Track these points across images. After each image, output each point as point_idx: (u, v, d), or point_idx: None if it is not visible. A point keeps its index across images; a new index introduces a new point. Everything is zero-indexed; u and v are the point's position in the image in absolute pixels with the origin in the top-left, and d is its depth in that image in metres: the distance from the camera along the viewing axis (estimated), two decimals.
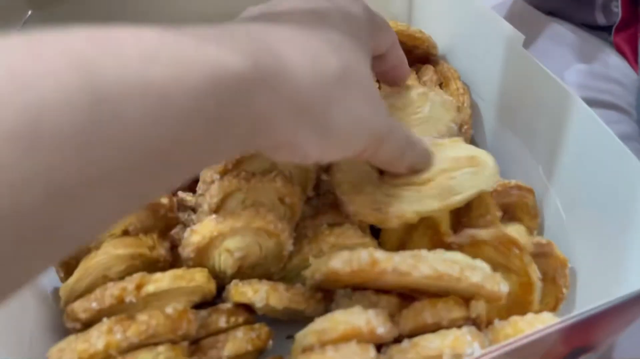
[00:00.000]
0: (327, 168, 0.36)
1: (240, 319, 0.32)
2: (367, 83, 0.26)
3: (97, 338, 0.26)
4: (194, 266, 0.32)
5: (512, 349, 0.25)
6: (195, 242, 0.31)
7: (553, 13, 0.66)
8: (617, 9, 0.61)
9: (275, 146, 0.24)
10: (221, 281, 0.34)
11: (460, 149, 0.35)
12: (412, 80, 0.43)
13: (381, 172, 0.33)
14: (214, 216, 0.31)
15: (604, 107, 0.58)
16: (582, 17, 0.65)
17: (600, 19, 0.64)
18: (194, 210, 0.37)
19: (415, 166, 0.31)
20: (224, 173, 0.34)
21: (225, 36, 0.21)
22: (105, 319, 0.27)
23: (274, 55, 0.22)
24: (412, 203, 0.31)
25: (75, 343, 0.26)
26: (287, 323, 0.34)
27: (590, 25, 0.65)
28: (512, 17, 0.66)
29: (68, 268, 0.33)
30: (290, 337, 0.32)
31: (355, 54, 0.26)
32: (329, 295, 0.33)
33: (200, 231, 0.31)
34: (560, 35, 0.63)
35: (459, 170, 0.33)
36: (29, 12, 0.39)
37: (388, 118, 0.28)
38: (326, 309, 0.33)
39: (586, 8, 0.64)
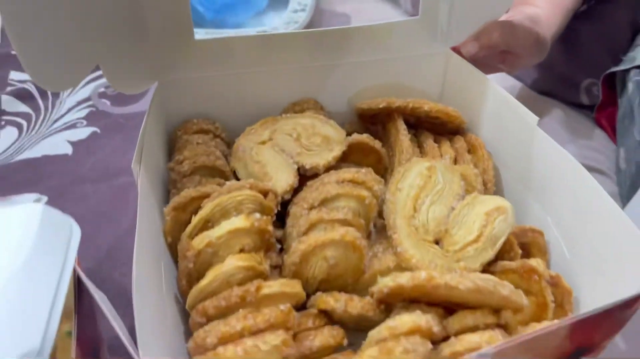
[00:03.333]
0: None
1: (323, 322, 0.40)
2: None
3: (236, 322, 0.34)
4: (294, 273, 0.40)
5: (529, 340, 0.32)
6: (302, 249, 0.39)
7: (545, 93, 0.77)
8: (598, 92, 0.72)
9: None
10: (307, 293, 0.42)
11: (484, 204, 0.44)
12: (433, 150, 0.53)
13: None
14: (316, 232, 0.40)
15: (590, 171, 0.67)
16: (569, 97, 0.75)
17: (584, 100, 0.74)
18: (279, 241, 0.46)
19: None
20: (310, 209, 0.43)
21: None
22: (240, 311, 0.35)
23: None
24: (475, 260, 0.40)
25: (218, 326, 0.34)
26: (351, 332, 0.42)
27: (576, 104, 0.76)
28: None
29: (190, 279, 0.41)
30: (352, 345, 0.40)
31: None
32: (389, 307, 0.41)
33: (307, 241, 0.39)
34: (551, 112, 0.74)
35: (495, 221, 0.42)
36: (156, 83, 0.49)
37: None
38: (386, 318, 0.41)
39: (572, 90, 0.75)
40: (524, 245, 0.45)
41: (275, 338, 0.34)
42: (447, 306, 0.40)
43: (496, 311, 0.39)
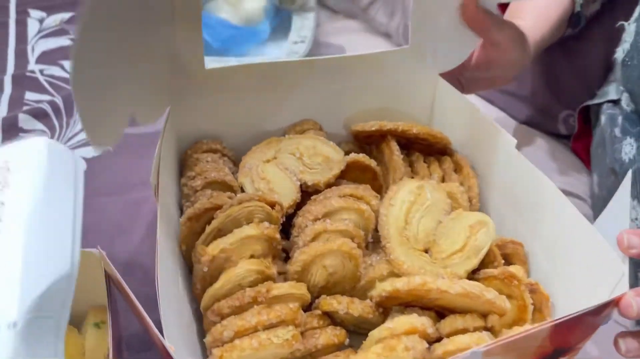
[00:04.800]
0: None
1: (326, 323, 0.43)
2: None
3: (251, 317, 0.37)
4: (297, 281, 0.43)
5: (514, 340, 0.35)
6: (303, 259, 0.42)
7: (527, 123, 0.82)
8: (574, 123, 0.77)
9: None
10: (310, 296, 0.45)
11: (468, 218, 0.48)
12: (423, 169, 0.56)
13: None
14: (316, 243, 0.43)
15: (566, 194, 0.72)
16: (548, 127, 0.80)
17: (562, 130, 0.79)
18: (284, 250, 0.49)
19: None
20: (314, 221, 0.46)
21: None
22: (255, 307, 0.38)
23: None
24: (460, 267, 0.44)
25: (234, 321, 0.37)
26: (350, 334, 0.44)
27: (555, 133, 0.80)
28: None
29: (204, 283, 0.43)
30: (352, 346, 0.43)
31: None
32: (385, 311, 0.44)
33: (307, 251, 0.42)
34: (532, 141, 0.79)
35: (477, 233, 0.46)
36: (169, 107, 0.52)
37: None
38: (384, 321, 0.44)
39: (551, 121, 0.79)
40: (506, 255, 0.49)
41: (287, 333, 0.37)
42: (438, 310, 0.43)
43: (483, 315, 0.42)
